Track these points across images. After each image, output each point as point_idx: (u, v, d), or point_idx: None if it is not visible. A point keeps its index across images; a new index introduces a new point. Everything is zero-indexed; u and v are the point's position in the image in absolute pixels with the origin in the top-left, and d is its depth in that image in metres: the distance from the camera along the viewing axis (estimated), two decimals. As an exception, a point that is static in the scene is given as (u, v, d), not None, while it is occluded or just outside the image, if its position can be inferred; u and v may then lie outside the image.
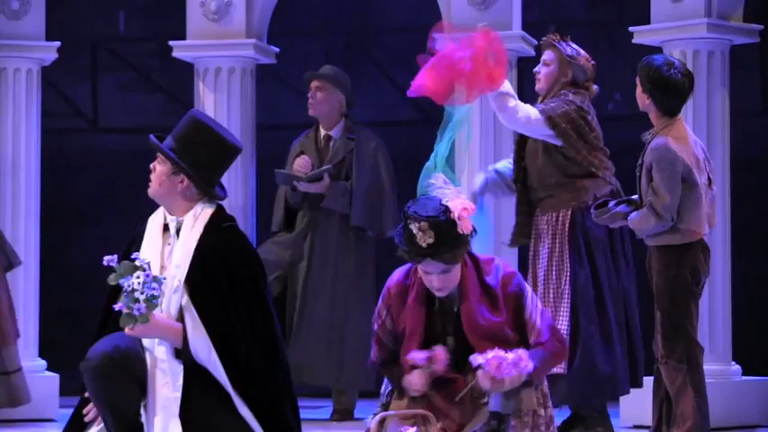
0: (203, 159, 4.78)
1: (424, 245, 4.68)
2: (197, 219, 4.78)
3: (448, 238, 4.68)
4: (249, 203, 7.63)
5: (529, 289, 4.85)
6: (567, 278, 6.15)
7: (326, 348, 7.02)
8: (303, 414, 7.53)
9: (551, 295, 6.18)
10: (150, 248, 4.78)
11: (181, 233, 4.76)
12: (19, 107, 7.62)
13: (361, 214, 7.24)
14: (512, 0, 7.28)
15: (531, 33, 7.42)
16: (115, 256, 4.63)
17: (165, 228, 4.82)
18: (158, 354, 4.71)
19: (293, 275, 7.32)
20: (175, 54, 7.63)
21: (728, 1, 7.00)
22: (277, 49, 7.79)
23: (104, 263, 4.63)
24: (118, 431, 4.69)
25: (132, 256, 4.65)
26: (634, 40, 7.04)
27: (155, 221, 4.84)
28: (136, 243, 4.86)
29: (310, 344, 7.16)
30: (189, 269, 4.68)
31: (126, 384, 4.65)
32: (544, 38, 6.40)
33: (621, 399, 6.78)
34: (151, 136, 4.87)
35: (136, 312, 4.56)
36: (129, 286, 4.55)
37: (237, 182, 7.54)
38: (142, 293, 4.55)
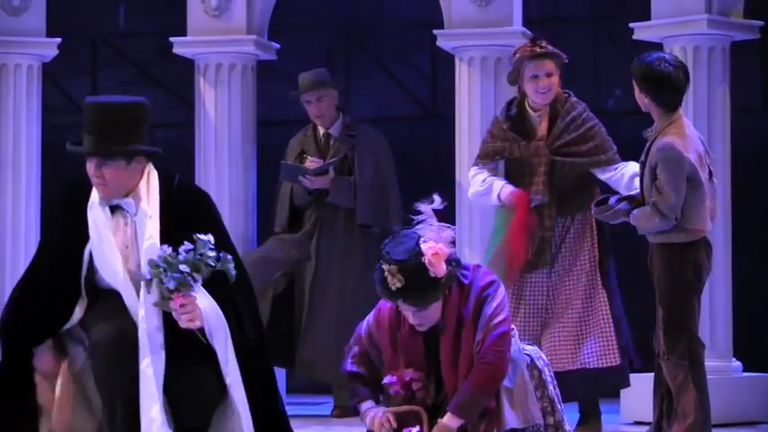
0: (140, 131, 4.66)
1: (393, 288, 4.66)
2: (150, 185, 4.66)
3: (418, 281, 4.65)
4: (250, 199, 7.63)
5: (494, 302, 4.77)
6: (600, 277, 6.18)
7: (335, 345, 7.02)
8: (304, 410, 7.62)
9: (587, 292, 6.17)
10: (105, 238, 4.62)
11: (140, 205, 4.63)
12: (19, 103, 7.62)
13: (366, 211, 7.25)
14: (512, -4, 7.31)
15: (531, 30, 7.42)
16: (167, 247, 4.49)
17: (112, 209, 4.67)
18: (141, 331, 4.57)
19: (300, 273, 7.34)
20: (176, 50, 7.63)
21: (729, -4, 7.03)
22: (278, 45, 7.79)
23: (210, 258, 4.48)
24: (122, 415, 4.58)
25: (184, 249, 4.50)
26: (634, 37, 7.03)
27: (96, 208, 4.65)
28: (78, 223, 4.65)
29: (319, 341, 7.18)
30: (161, 238, 4.57)
31: (133, 366, 4.56)
32: (537, 49, 6.24)
33: (622, 394, 6.79)
34: (69, 147, 4.69)
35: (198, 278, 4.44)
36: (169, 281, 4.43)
37: (238, 177, 7.55)
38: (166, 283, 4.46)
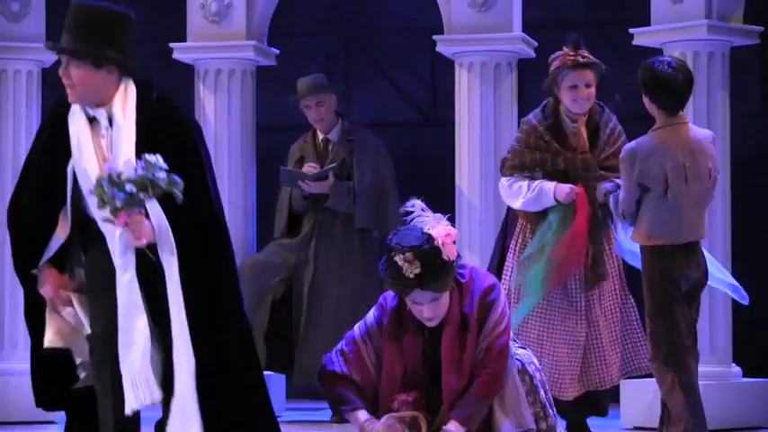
0: (116, 39, 4.56)
1: (411, 275, 4.65)
2: (126, 99, 4.55)
3: (434, 266, 4.65)
4: (249, 204, 7.64)
5: (500, 307, 4.77)
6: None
7: (333, 347, 7.05)
8: (304, 416, 7.61)
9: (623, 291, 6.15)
10: (85, 149, 4.53)
11: (115, 119, 4.52)
12: (19, 109, 7.62)
13: (365, 216, 7.27)
14: (512, 1, 7.29)
15: (530, 35, 7.43)
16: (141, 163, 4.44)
17: (91, 121, 4.58)
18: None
19: (299, 278, 7.35)
20: (175, 56, 7.64)
21: (729, 2, 7.00)
22: (277, 51, 7.80)
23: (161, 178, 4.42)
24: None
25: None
26: (634, 42, 7.04)
27: (76, 120, 4.57)
28: (62, 137, 4.58)
29: (318, 346, 7.16)
30: (136, 151, 4.48)
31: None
32: (579, 58, 6.08)
33: (622, 400, 6.79)
34: (47, 44, 4.68)
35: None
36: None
37: (238, 182, 7.56)
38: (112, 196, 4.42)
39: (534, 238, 6.06)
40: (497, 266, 6.20)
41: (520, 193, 6.08)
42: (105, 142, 4.54)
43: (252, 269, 7.34)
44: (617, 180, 5.80)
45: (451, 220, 7.06)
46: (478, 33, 7.24)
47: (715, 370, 6.71)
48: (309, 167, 7.32)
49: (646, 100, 5.59)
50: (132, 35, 4.63)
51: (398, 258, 4.66)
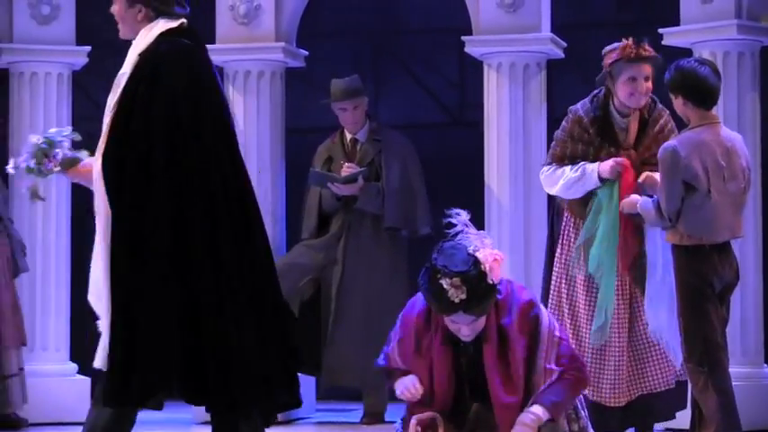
0: None
1: (456, 300, 4.58)
2: (150, 31, 4.68)
3: (479, 291, 4.59)
4: (279, 205, 7.67)
5: (544, 321, 4.74)
6: None
7: (361, 350, 7.06)
8: (334, 417, 7.62)
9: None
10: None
11: (128, 57, 4.69)
12: (50, 111, 7.66)
13: (394, 215, 7.29)
14: (540, 2, 7.29)
15: (559, 35, 7.43)
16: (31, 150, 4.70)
17: None
18: None
19: (327, 278, 7.38)
20: None
21: (759, 2, 6.99)
22: (306, 53, 7.82)
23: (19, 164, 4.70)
24: None
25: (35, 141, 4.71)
26: (663, 42, 7.02)
27: (132, 50, 4.75)
28: None
29: (346, 346, 7.23)
30: (126, 84, 4.62)
31: None
32: (642, 51, 5.89)
33: None
34: None
35: (24, 188, 4.80)
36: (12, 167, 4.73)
37: (267, 183, 7.57)
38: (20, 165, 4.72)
39: (587, 221, 5.91)
40: (548, 265, 6.09)
41: (561, 177, 5.90)
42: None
43: (280, 271, 7.31)
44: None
45: (481, 220, 7.11)
46: (507, 34, 7.25)
47: (746, 371, 6.69)
48: (347, 167, 7.34)
49: (678, 102, 5.57)
50: None
51: (444, 282, 4.58)
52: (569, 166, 5.90)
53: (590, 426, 4.89)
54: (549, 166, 5.99)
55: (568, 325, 5.95)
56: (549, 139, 7.23)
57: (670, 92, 5.58)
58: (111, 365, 4.58)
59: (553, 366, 4.69)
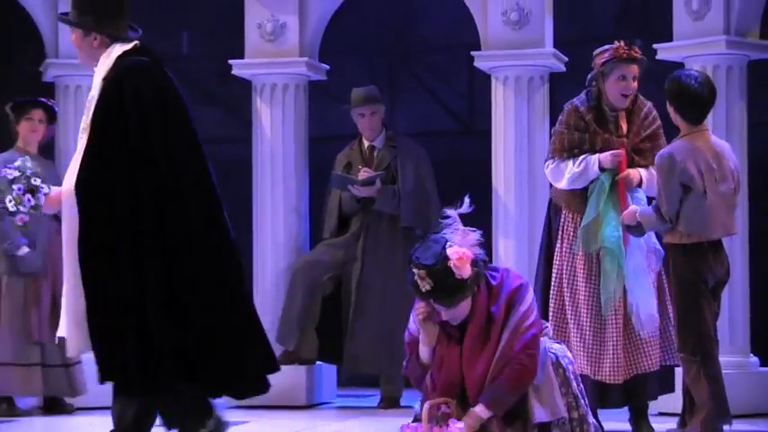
0: (103, 12, 4.81)
1: (423, 290, 4.68)
2: (109, 56, 4.79)
3: (445, 284, 4.65)
4: (303, 207, 7.67)
5: (524, 305, 4.75)
6: None
7: (379, 340, 7.09)
8: (353, 402, 7.63)
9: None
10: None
11: (95, 80, 4.80)
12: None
13: (409, 215, 7.31)
14: (544, 20, 7.30)
15: (561, 50, 7.42)
16: None
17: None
18: None
19: (347, 274, 7.39)
20: (235, 72, 7.69)
21: (746, 19, 6.99)
22: (327, 67, 7.83)
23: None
24: None
25: (1, 173, 4.78)
26: (657, 57, 7.02)
27: (96, 76, 4.87)
28: None
29: (365, 337, 7.24)
30: (95, 106, 4.72)
31: None
32: (632, 53, 5.94)
33: None
34: (58, 15, 5.03)
35: (19, 222, 4.80)
36: (10, 203, 4.76)
37: (292, 189, 7.58)
38: (23, 207, 4.77)
39: (590, 203, 5.92)
40: (546, 259, 6.12)
41: (565, 170, 5.94)
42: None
43: (303, 268, 7.40)
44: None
45: (488, 222, 7.11)
46: (513, 49, 7.25)
47: (734, 360, 6.69)
48: (364, 172, 7.36)
49: (671, 110, 5.59)
50: (124, 9, 4.89)
51: (414, 272, 4.69)
52: (572, 161, 5.94)
53: (590, 413, 4.89)
54: (551, 161, 6.04)
55: (569, 311, 5.97)
56: (552, 146, 7.26)
57: (667, 101, 5.59)
58: (134, 356, 4.63)
59: (502, 346, 4.70)
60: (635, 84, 5.96)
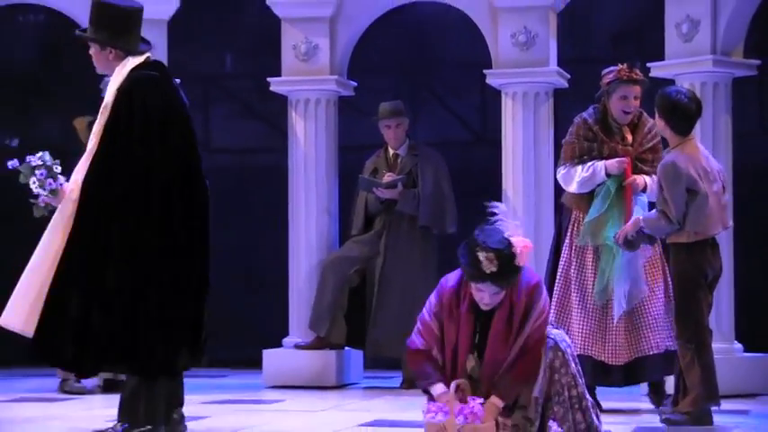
0: (116, 28, 4.89)
1: (487, 271, 4.61)
2: (123, 68, 4.89)
3: (508, 268, 4.63)
4: (333, 208, 7.70)
5: (541, 302, 4.73)
6: None
7: (399, 327, 7.09)
8: (378, 383, 7.68)
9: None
10: None
11: (110, 88, 4.89)
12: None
13: (427, 216, 7.34)
14: (548, 41, 7.32)
15: (564, 69, 7.43)
16: (16, 161, 4.85)
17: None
18: None
19: (371, 268, 7.42)
20: (272, 88, 7.71)
21: (730, 40, 7.00)
22: (355, 83, 7.86)
23: (9, 167, 4.84)
24: None
25: (27, 159, 4.85)
26: (651, 74, 7.02)
27: (111, 85, 4.95)
28: None
29: (387, 324, 7.26)
30: (108, 113, 4.82)
31: None
32: (634, 75, 6.02)
33: None
34: (76, 31, 5.04)
35: (41, 204, 4.85)
36: (34, 185, 4.83)
37: (324, 192, 7.60)
38: (44, 189, 4.82)
39: (594, 203, 5.98)
40: (554, 253, 6.17)
41: (575, 175, 6.02)
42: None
43: (333, 263, 7.44)
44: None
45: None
46: (521, 68, 7.28)
47: (721, 346, 6.67)
48: (388, 176, 7.41)
49: (661, 122, 5.60)
50: (137, 25, 4.96)
51: (481, 255, 4.60)
52: (580, 167, 6.01)
53: (587, 392, 4.89)
54: (563, 167, 6.12)
55: (575, 298, 6.01)
56: (556, 155, 7.28)
57: (657, 114, 5.60)
58: (150, 340, 4.72)
59: (522, 338, 4.70)
60: (636, 102, 6.05)
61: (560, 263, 6.10)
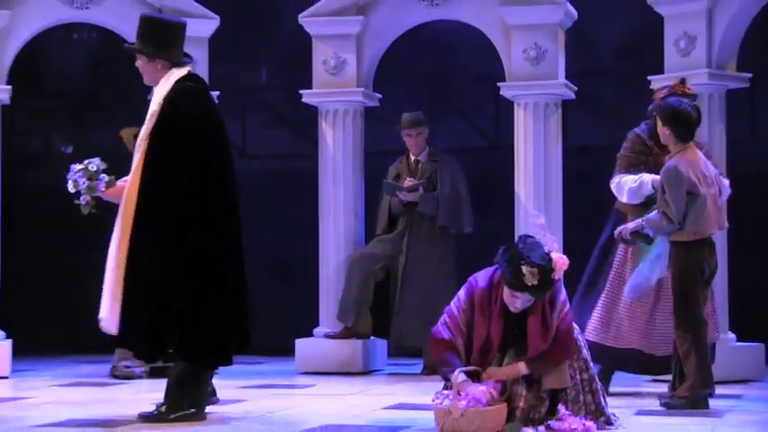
0: (161, 41, 4.94)
1: (529, 284, 4.61)
2: (168, 79, 4.96)
3: (547, 282, 4.64)
4: (359, 209, 7.71)
5: (561, 296, 4.74)
6: None
7: (419, 318, 7.12)
8: (401, 369, 7.71)
9: None
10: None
11: (155, 97, 4.96)
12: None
13: (446, 217, 7.36)
14: (557, 56, 7.33)
15: (571, 81, 7.44)
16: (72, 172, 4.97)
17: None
18: None
19: (394, 265, 7.45)
20: (304, 100, 7.68)
21: (724, 55, 7.00)
22: (380, 95, 7.88)
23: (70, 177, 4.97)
24: None
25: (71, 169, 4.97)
26: (651, 86, 6.99)
27: (158, 94, 5.00)
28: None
29: (409, 315, 7.27)
30: (155, 120, 4.90)
31: None
32: (686, 89, 5.97)
33: None
34: (124, 45, 5.10)
35: (83, 202, 4.93)
36: (71, 186, 4.96)
37: (351, 194, 7.62)
38: (81, 188, 4.94)
39: (649, 256, 5.90)
40: (603, 251, 6.11)
41: (624, 186, 5.97)
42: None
43: (359, 260, 7.48)
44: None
45: (510, 220, 7.13)
46: (532, 81, 7.29)
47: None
48: (409, 180, 7.45)
49: (665, 129, 5.60)
50: (180, 38, 5.03)
51: (525, 268, 4.59)
52: (630, 177, 5.95)
53: (596, 375, 4.92)
54: (617, 177, 6.08)
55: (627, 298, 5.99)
56: (565, 161, 7.33)
57: (662, 119, 5.59)
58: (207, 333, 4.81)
59: (554, 329, 4.72)
60: None
61: (614, 262, 6.03)
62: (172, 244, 4.81)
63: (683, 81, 6.03)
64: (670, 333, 5.77)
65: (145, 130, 4.92)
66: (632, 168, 6.01)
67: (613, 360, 6.04)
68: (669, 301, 5.79)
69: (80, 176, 4.95)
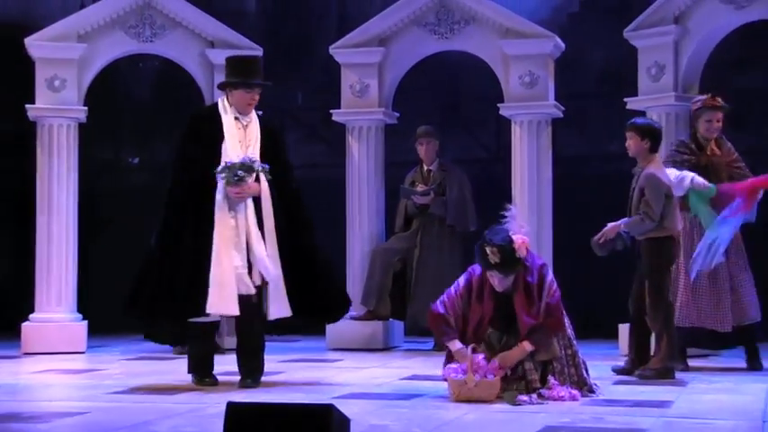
0: (261, 75, 5.29)
1: (492, 262, 4.70)
2: (253, 110, 5.28)
3: (508, 259, 4.69)
4: (381, 210, 7.69)
5: (549, 276, 4.79)
6: None
7: (432, 302, 7.17)
8: (415, 346, 7.76)
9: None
10: (233, 135, 5.19)
11: (251, 122, 5.21)
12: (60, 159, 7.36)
13: (453, 218, 7.42)
14: (548, 81, 7.36)
15: (560, 102, 7.46)
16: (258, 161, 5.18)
17: (235, 119, 5.25)
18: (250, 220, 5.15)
19: (410, 257, 7.51)
20: (334, 118, 7.70)
21: (688, 80, 7.02)
22: (398, 114, 7.92)
23: (257, 165, 5.14)
24: None
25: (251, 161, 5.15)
26: (627, 107, 7.08)
27: (228, 117, 5.21)
28: (213, 127, 5.16)
29: (422, 300, 7.27)
30: (261, 143, 5.18)
31: None
32: (716, 103, 5.98)
33: (620, 334, 6.70)
34: (260, 82, 5.28)
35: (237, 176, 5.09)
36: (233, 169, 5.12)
37: (374, 198, 7.66)
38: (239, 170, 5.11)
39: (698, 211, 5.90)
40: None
41: (670, 175, 5.90)
42: (241, 133, 5.24)
43: (380, 252, 7.54)
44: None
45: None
46: (527, 102, 7.32)
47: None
48: (421, 187, 7.51)
49: (642, 143, 5.64)
50: (262, 71, 5.35)
51: (487, 248, 4.68)
52: (674, 170, 5.92)
53: (579, 350, 4.94)
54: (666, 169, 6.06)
55: (682, 281, 5.94)
56: (555, 172, 7.34)
57: (641, 134, 5.62)
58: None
59: (543, 305, 4.77)
60: (719, 124, 6.02)
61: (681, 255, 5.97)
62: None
63: (713, 96, 6.07)
64: (730, 312, 5.80)
65: (251, 150, 5.19)
66: (677, 164, 5.98)
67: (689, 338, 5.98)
68: (726, 281, 5.84)
69: (230, 173, 5.10)
